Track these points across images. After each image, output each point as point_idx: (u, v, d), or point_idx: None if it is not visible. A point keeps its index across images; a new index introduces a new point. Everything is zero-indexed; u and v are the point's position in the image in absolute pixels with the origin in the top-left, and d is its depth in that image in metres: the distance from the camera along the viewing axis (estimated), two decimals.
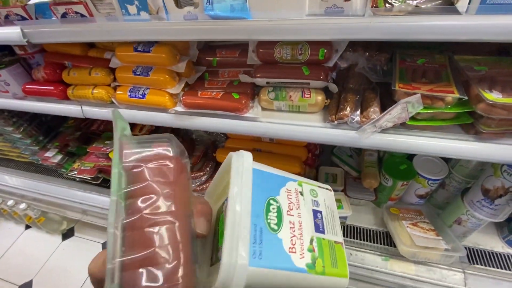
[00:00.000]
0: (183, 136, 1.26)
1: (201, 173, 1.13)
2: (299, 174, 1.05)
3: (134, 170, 0.25)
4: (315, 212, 0.35)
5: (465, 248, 1.05)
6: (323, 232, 0.34)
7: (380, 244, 1.09)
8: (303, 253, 0.29)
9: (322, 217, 0.35)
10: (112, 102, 0.96)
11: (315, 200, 0.36)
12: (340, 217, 1.08)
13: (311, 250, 0.30)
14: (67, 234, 1.88)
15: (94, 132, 1.42)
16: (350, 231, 1.14)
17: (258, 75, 0.82)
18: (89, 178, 1.38)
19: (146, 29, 0.68)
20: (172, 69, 0.86)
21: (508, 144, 0.66)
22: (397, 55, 0.79)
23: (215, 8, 0.59)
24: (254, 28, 0.60)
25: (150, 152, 0.27)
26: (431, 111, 0.65)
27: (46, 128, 1.54)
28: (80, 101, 1.02)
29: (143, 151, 0.26)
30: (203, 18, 0.63)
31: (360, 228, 1.14)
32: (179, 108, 0.87)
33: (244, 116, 0.83)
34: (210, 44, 0.99)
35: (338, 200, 1.11)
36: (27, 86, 1.05)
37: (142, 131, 1.21)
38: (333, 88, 0.79)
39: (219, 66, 0.94)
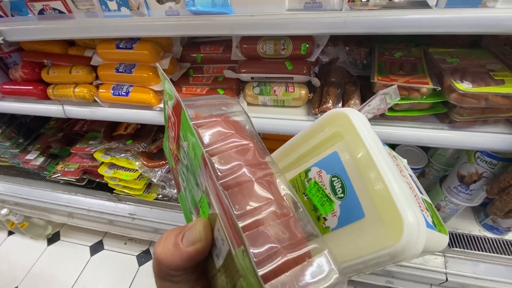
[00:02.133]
0: None
1: None
2: None
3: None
4: (409, 175, 0.35)
5: None
6: (421, 193, 0.33)
7: None
8: (427, 213, 0.28)
9: (414, 179, 0.35)
10: (95, 101, 0.95)
11: (402, 164, 0.36)
12: None
13: (427, 209, 0.30)
14: (53, 239, 1.83)
15: (78, 133, 1.38)
16: None
17: (242, 70, 0.83)
18: (74, 180, 1.35)
19: (127, 26, 0.68)
20: (155, 66, 0.85)
21: (480, 131, 0.71)
22: (376, 49, 0.81)
23: (197, 3, 0.60)
24: (236, 23, 0.61)
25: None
26: (408, 102, 0.68)
27: (26, 130, 1.49)
28: (61, 101, 1.00)
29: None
30: (185, 13, 0.63)
31: None
32: None
33: None
34: (194, 40, 0.99)
35: None
36: (4, 86, 1.02)
37: (127, 130, 1.20)
38: (316, 82, 0.81)
39: (204, 62, 0.94)
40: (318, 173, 0.29)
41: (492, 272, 0.99)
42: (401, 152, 1.09)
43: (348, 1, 0.54)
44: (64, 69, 0.94)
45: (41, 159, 1.42)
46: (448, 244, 1.06)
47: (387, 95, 0.65)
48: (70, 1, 0.74)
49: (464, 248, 1.05)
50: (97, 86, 0.94)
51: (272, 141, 1.13)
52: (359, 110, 0.67)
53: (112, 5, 0.70)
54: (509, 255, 1.02)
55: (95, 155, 1.20)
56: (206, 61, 0.94)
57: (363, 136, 0.26)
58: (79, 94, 0.92)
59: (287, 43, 0.77)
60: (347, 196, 0.26)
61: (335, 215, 0.27)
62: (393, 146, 1.12)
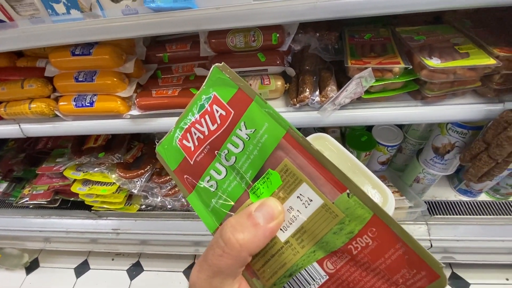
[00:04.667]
0: (143, 140, 1.19)
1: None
2: None
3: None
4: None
5: (425, 202, 1.16)
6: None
7: None
8: None
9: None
10: (56, 115, 0.86)
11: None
12: None
13: None
14: (31, 267, 1.70)
15: (42, 151, 1.27)
16: None
17: None
18: (45, 202, 1.25)
19: (79, 30, 0.61)
20: (119, 70, 0.79)
21: (450, 104, 0.74)
22: (346, 32, 0.81)
23: None
24: (201, 17, 0.57)
25: None
26: (382, 82, 0.69)
27: None
28: (16, 119, 0.90)
29: None
30: (144, 11, 0.58)
31: None
32: (134, 111, 0.81)
33: None
34: (157, 39, 0.93)
35: None
36: None
37: (98, 142, 1.12)
38: (291, 71, 0.80)
39: (172, 61, 0.89)
40: None
41: (470, 232, 1.07)
42: (378, 131, 1.13)
43: None
44: (15, 84, 0.84)
45: (4, 185, 1.29)
46: (429, 212, 1.13)
47: (362, 79, 0.65)
48: (10, 8, 0.66)
49: (443, 214, 1.12)
50: (56, 99, 0.86)
51: None
52: (337, 96, 0.67)
53: (60, 8, 0.63)
54: (482, 215, 1.11)
55: (65, 173, 1.11)
56: (174, 60, 0.89)
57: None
58: (36, 110, 0.83)
59: (257, 34, 0.74)
60: None
61: None
62: (370, 127, 1.15)
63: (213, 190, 0.30)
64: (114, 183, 1.10)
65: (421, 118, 0.75)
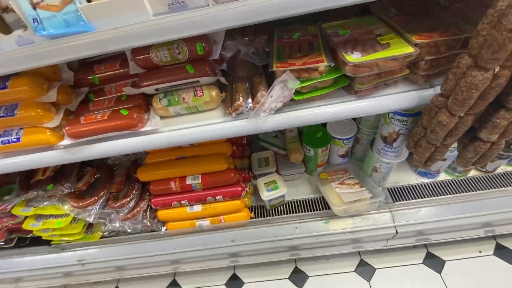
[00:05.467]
0: (97, 164, 1.14)
1: (128, 199, 1.05)
2: (227, 169, 1.04)
3: None
4: None
5: (388, 189, 1.18)
6: None
7: (320, 209, 1.15)
8: None
9: None
10: None
11: None
12: (278, 197, 1.11)
13: None
14: None
15: None
16: (291, 207, 1.18)
17: (143, 84, 0.76)
18: (2, 243, 1.18)
19: None
20: (42, 100, 0.75)
21: (383, 95, 0.74)
22: (275, 33, 0.80)
23: (47, 26, 0.51)
24: (101, 39, 0.54)
25: None
26: (311, 82, 0.67)
27: None
28: None
29: None
30: (40, 40, 0.54)
31: (300, 201, 1.20)
32: (66, 141, 0.77)
33: (143, 131, 0.77)
34: (87, 60, 0.89)
35: (273, 182, 1.13)
36: None
37: (46, 173, 1.06)
38: (223, 80, 0.78)
39: (103, 83, 0.85)
40: None
41: (432, 214, 1.08)
42: (333, 126, 1.12)
43: None
44: None
45: None
46: (392, 199, 1.14)
47: (285, 82, 0.63)
48: None
49: (406, 200, 1.13)
50: None
51: (208, 145, 1.08)
52: (263, 103, 0.66)
53: None
54: (444, 194, 1.13)
55: (13, 212, 1.05)
56: (106, 81, 0.85)
57: None
58: None
59: (181, 46, 0.72)
60: None
61: None
62: (324, 125, 1.15)
63: None
64: (68, 214, 1.05)
65: (358, 112, 0.75)
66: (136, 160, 1.19)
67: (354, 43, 0.68)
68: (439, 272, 1.30)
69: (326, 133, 1.11)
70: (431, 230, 1.12)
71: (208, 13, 0.51)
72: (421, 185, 1.17)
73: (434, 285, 1.27)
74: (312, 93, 0.71)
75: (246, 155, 1.25)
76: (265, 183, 1.14)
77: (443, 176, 1.18)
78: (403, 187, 1.17)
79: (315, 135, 1.12)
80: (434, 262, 1.33)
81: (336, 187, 1.07)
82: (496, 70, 0.55)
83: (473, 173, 1.17)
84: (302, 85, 0.67)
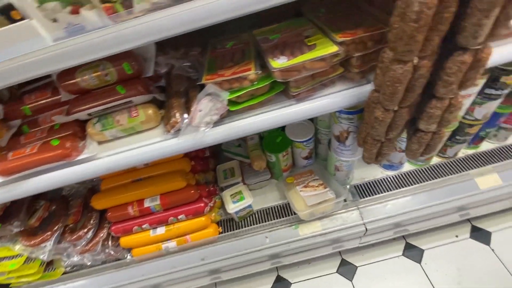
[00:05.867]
0: (51, 197, 1.08)
1: (85, 230, 0.99)
2: (187, 186, 1.01)
3: None
4: None
5: (355, 186, 1.16)
6: None
7: (290, 215, 1.13)
8: None
9: None
10: None
11: None
12: (245, 207, 1.08)
13: None
14: None
15: None
16: (260, 216, 1.15)
17: (73, 110, 0.72)
18: None
19: None
20: None
21: (322, 95, 0.72)
22: (209, 44, 0.78)
23: None
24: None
25: None
26: (243, 91, 0.65)
27: None
28: None
29: None
30: None
31: (268, 209, 1.17)
32: None
33: (79, 160, 0.73)
34: (19, 90, 0.84)
35: (239, 192, 1.10)
36: None
37: None
38: (161, 97, 0.75)
39: (36, 113, 0.80)
40: None
41: (399, 206, 1.08)
42: (291, 129, 1.11)
43: (110, 14, 0.47)
44: None
45: None
46: (359, 196, 1.13)
47: (214, 94, 0.61)
48: None
49: (373, 195, 1.12)
50: None
51: (164, 164, 1.04)
52: (194, 118, 0.63)
53: None
54: (408, 185, 1.12)
55: None
56: (39, 111, 0.81)
57: None
58: None
59: (107, 67, 0.69)
60: None
61: None
62: (282, 128, 1.13)
63: None
64: (21, 254, 0.99)
65: (300, 115, 0.73)
66: (93, 187, 1.14)
67: (283, 47, 0.67)
68: (419, 262, 1.30)
69: (285, 137, 1.09)
70: (405, 221, 1.11)
71: (108, 33, 0.48)
72: (387, 178, 1.16)
73: (414, 276, 1.26)
74: (250, 102, 0.69)
75: (210, 168, 1.22)
76: (230, 195, 1.10)
77: (407, 167, 1.18)
78: (369, 182, 1.16)
79: (275, 140, 1.10)
80: (413, 253, 1.33)
81: (300, 191, 1.05)
82: (415, 61, 0.54)
83: (435, 160, 1.18)
84: (236, 95, 0.65)
